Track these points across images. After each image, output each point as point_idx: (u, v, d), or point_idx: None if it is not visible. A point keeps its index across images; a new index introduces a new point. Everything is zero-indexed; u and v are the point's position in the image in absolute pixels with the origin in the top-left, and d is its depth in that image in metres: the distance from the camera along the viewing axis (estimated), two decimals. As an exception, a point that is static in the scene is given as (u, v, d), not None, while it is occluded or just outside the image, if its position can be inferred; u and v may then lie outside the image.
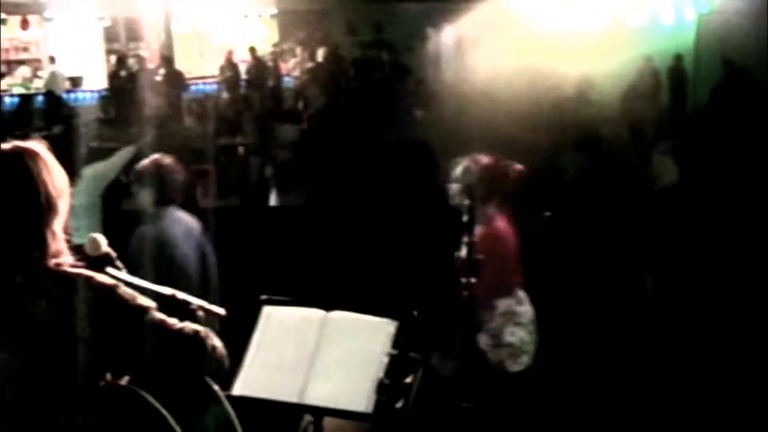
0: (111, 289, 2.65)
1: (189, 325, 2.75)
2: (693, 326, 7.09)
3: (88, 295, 2.60)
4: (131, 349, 2.67)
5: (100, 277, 2.68)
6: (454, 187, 5.02)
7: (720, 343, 6.83)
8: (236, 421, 3.04)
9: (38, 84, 20.31)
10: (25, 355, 2.56)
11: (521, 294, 5.26)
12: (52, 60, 20.25)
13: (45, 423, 2.61)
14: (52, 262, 2.65)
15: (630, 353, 6.85)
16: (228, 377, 3.29)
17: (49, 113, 16.12)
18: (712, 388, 6.19)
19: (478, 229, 4.81)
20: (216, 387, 3.00)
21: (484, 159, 5.22)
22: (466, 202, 4.32)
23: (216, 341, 2.77)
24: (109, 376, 2.71)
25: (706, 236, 7.83)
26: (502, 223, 5.18)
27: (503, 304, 5.10)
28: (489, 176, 5.13)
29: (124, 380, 2.76)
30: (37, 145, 2.73)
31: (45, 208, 2.65)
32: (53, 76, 19.65)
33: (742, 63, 15.67)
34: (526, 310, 5.23)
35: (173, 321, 2.72)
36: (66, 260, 2.69)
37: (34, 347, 2.56)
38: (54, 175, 2.70)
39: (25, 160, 2.66)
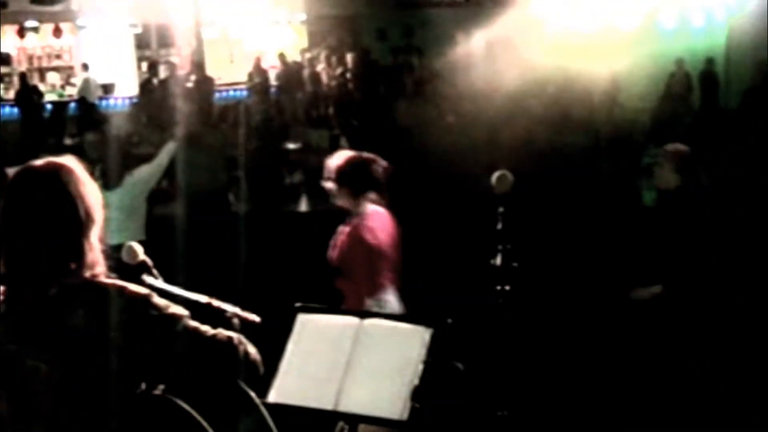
0: (145, 299, 2.68)
1: (222, 332, 2.77)
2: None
3: (122, 304, 2.63)
4: (165, 358, 2.69)
5: (134, 287, 2.71)
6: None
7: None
8: (273, 428, 3.05)
9: (71, 91, 20.49)
10: (62, 364, 2.59)
11: (390, 296, 5.04)
12: (85, 67, 20.40)
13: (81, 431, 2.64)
14: (89, 273, 2.68)
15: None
16: (263, 385, 3.30)
17: (83, 120, 16.24)
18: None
19: (348, 225, 4.78)
20: (252, 393, 3.01)
21: (348, 153, 5.16)
22: (501, 210, 4.32)
23: (250, 347, 2.79)
24: (144, 385, 2.74)
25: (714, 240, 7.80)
26: (377, 220, 5.06)
27: (369, 303, 4.88)
28: (354, 170, 5.05)
29: (160, 389, 2.78)
30: (70, 160, 2.77)
31: (83, 221, 2.68)
32: (86, 83, 19.82)
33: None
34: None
35: (206, 328, 2.74)
36: (102, 270, 2.72)
37: (71, 357, 2.60)
38: (88, 188, 2.74)
39: (61, 176, 2.70)
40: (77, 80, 20.40)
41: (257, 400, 3.04)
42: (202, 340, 2.71)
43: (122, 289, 2.68)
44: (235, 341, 2.76)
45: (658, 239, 6.02)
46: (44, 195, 2.68)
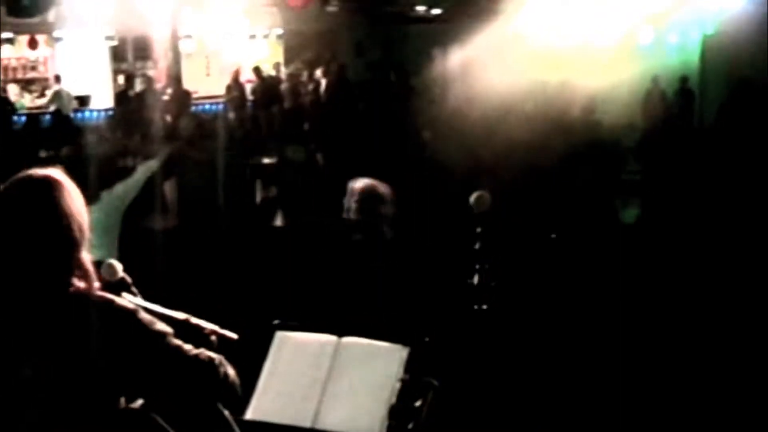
0: (132, 314, 2.70)
1: (204, 352, 2.78)
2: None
3: (109, 318, 2.65)
4: (147, 374, 2.70)
5: (122, 302, 2.73)
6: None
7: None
8: None
9: (44, 102, 20.36)
10: (47, 372, 2.62)
11: None
12: (57, 79, 20.25)
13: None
14: (78, 286, 2.69)
15: (609, 372, 6.87)
16: (241, 402, 3.29)
17: (57, 133, 16.14)
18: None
19: None
20: (227, 413, 3.01)
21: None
22: (479, 230, 4.35)
23: (230, 369, 2.80)
24: (123, 400, 2.74)
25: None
26: None
27: None
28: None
29: (138, 404, 2.79)
30: (57, 173, 2.77)
31: (73, 235, 2.69)
32: (58, 95, 19.65)
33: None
34: None
35: (189, 347, 2.75)
36: (91, 284, 2.73)
37: (57, 366, 2.62)
38: (77, 202, 2.75)
39: (50, 189, 2.70)
40: (50, 91, 20.24)
41: (233, 423, 3.04)
42: (184, 359, 2.73)
43: (110, 302, 2.71)
44: (216, 362, 2.77)
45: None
46: (36, 207, 2.68)
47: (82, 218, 2.74)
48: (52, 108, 18.69)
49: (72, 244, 2.70)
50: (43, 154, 14.76)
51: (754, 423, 5.69)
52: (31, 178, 2.74)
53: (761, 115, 13.03)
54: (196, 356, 2.75)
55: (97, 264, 3.08)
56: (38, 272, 2.66)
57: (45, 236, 2.68)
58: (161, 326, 2.74)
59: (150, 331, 2.70)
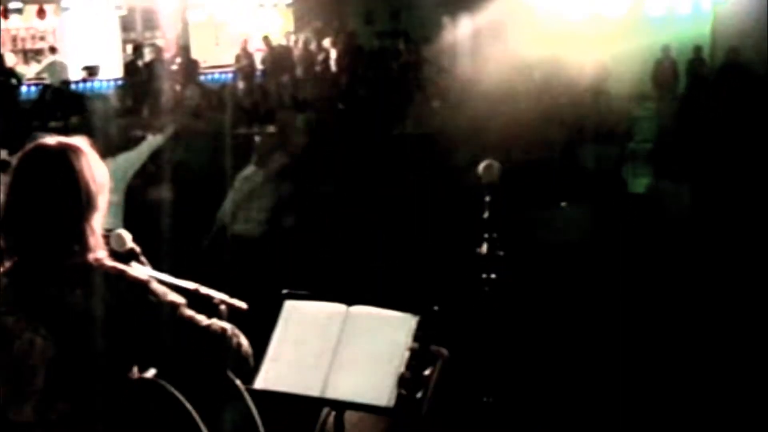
0: (145, 284, 2.71)
1: (216, 323, 2.80)
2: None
3: (121, 288, 2.66)
4: (159, 344, 2.72)
5: (135, 272, 2.74)
6: None
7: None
8: (257, 417, 3.07)
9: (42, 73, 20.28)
10: (57, 341, 2.64)
11: None
12: (52, 50, 20.17)
13: (73, 410, 2.66)
14: (91, 255, 2.70)
15: (616, 342, 6.88)
16: (250, 372, 3.30)
17: (66, 103, 16.12)
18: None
19: None
20: (239, 383, 3.03)
21: None
22: (487, 199, 4.34)
23: (242, 339, 2.82)
24: (136, 369, 2.76)
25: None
26: None
27: None
28: None
29: (151, 373, 2.81)
30: (80, 141, 2.78)
31: (86, 203, 2.70)
32: (52, 65, 19.54)
33: (757, 53, 15.60)
34: None
35: (201, 317, 2.77)
36: (102, 254, 2.74)
37: (67, 335, 2.65)
38: (95, 171, 2.76)
39: (69, 156, 2.72)
40: (45, 62, 20.16)
41: (244, 392, 3.06)
42: (197, 330, 2.74)
43: (122, 273, 2.73)
44: (229, 333, 2.79)
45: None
46: (52, 174, 2.71)
47: (96, 186, 2.76)
48: (46, 78, 18.64)
49: (82, 208, 2.71)
50: (53, 124, 14.78)
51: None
52: (50, 142, 2.76)
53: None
54: (209, 326, 2.77)
55: (105, 234, 3.10)
56: (49, 235, 2.68)
57: (56, 198, 2.69)
58: (174, 297, 2.76)
59: (163, 301, 2.72)
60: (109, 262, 2.75)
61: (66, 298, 2.64)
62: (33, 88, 18.52)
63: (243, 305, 3.18)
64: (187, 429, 2.79)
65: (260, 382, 3.32)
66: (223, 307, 3.14)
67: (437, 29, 18.92)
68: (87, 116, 10.27)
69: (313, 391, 3.31)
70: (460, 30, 18.23)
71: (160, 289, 2.75)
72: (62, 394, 2.66)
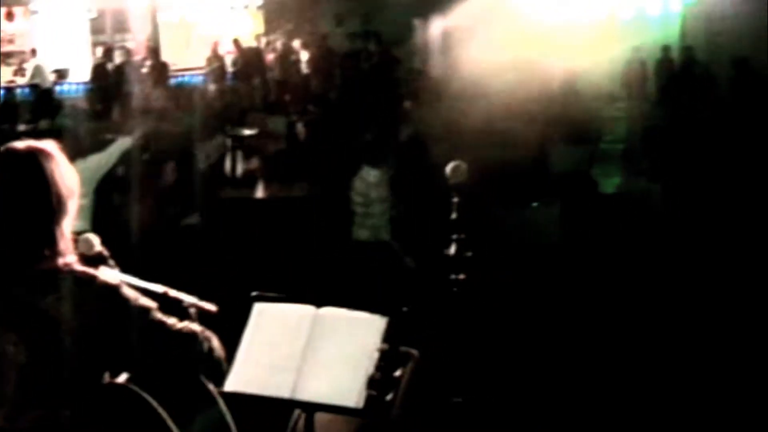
0: (115, 289, 2.70)
1: (188, 326, 2.79)
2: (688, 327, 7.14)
3: (92, 293, 2.65)
4: (131, 348, 2.71)
5: (105, 277, 2.72)
6: None
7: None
8: (231, 421, 3.07)
9: (23, 76, 20.18)
10: (29, 348, 2.62)
11: None
12: (33, 53, 20.08)
13: (44, 416, 2.65)
14: (61, 260, 2.69)
15: (585, 338, 6.93)
16: (223, 376, 3.30)
17: (36, 106, 16.04)
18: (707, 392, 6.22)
19: None
20: (211, 387, 3.03)
21: None
22: (455, 200, 4.35)
23: (214, 343, 2.82)
24: (107, 374, 2.75)
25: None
26: None
27: None
28: None
29: (123, 378, 2.80)
30: (50, 145, 2.77)
31: (56, 207, 2.69)
32: (39, 69, 19.51)
33: (727, 53, 15.73)
34: None
35: (173, 321, 2.76)
36: (72, 259, 2.73)
37: (39, 341, 2.62)
38: (65, 175, 2.75)
39: (39, 160, 2.71)
40: (29, 65, 20.07)
41: (217, 395, 3.05)
42: (168, 334, 2.74)
43: (93, 278, 2.71)
44: (200, 337, 2.79)
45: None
46: (21, 178, 2.69)
47: (65, 189, 2.74)
48: (37, 82, 18.53)
49: (52, 212, 2.70)
50: (22, 127, 14.69)
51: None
52: (18, 146, 2.75)
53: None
54: (180, 330, 2.77)
55: (74, 238, 3.09)
56: (19, 239, 2.66)
57: (25, 202, 2.68)
58: (144, 301, 2.75)
59: (134, 306, 2.71)
60: (80, 267, 2.73)
61: (37, 305, 2.62)
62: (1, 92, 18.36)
63: (213, 308, 3.18)
64: None
65: (230, 385, 3.33)
66: (192, 310, 3.13)
67: (409, 31, 18.96)
68: (57, 119, 10.21)
69: (283, 392, 3.31)
70: (432, 31, 18.28)
71: (131, 293, 2.74)
72: (33, 400, 2.64)
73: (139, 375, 2.81)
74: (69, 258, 2.73)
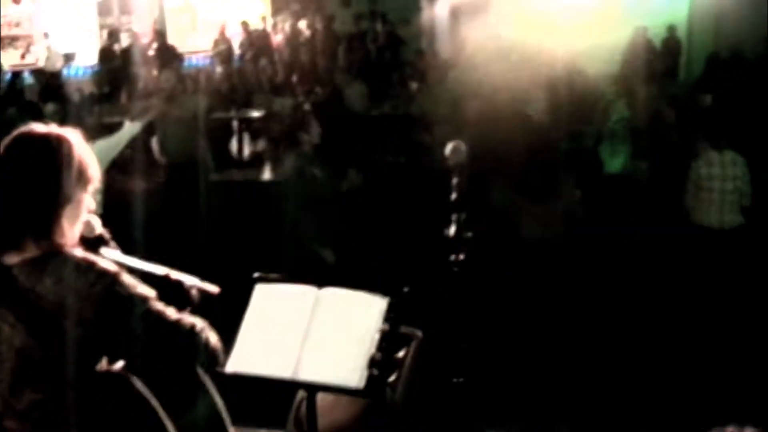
0: (114, 276, 2.70)
1: (186, 318, 2.80)
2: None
3: (90, 279, 2.65)
4: (128, 337, 2.71)
5: (105, 263, 2.73)
6: None
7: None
8: (225, 412, 3.09)
9: (30, 59, 20.17)
10: (25, 329, 2.63)
11: None
12: (46, 36, 20.08)
13: (42, 399, 2.67)
14: (62, 245, 2.70)
15: (585, 320, 6.94)
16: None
17: (45, 90, 16.05)
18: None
19: None
20: (206, 378, 3.05)
21: None
22: (455, 180, 4.35)
23: (211, 335, 2.82)
24: (104, 361, 2.77)
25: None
26: None
27: None
28: None
29: (118, 365, 2.81)
30: (70, 132, 2.78)
31: (62, 193, 2.70)
32: (50, 52, 19.49)
33: (734, 35, 15.66)
34: None
35: (171, 312, 2.77)
36: (75, 243, 2.75)
37: (35, 323, 2.63)
38: (81, 161, 2.76)
39: (51, 144, 2.72)
40: (36, 49, 20.04)
41: (212, 387, 3.07)
42: (165, 324, 2.74)
43: (92, 264, 2.70)
44: (197, 329, 2.80)
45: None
46: (29, 161, 2.70)
47: (77, 176, 2.75)
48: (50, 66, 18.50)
49: (58, 198, 2.71)
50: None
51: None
52: (36, 130, 2.76)
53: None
54: (178, 321, 2.77)
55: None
56: (22, 221, 2.68)
57: (33, 185, 2.68)
58: (143, 290, 2.75)
59: (132, 294, 2.71)
60: (80, 253, 2.73)
61: (35, 287, 2.64)
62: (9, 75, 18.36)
63: (215, 289, 3.20)
64: (151, 425, 2.81)
65: (231, 365, 3.34)
66: (194, 291, 3.15)
67: (415, 11, 18.91)
68: (64, 103, 10.22)
69: (285, 373, 3.32)
70: (438, 11, 18.22)
71: (130, 281, 2.73)
72: (31, 383, 2.66)
73: (136, 363, 2.82)
74: (71, 242, 2.75)
